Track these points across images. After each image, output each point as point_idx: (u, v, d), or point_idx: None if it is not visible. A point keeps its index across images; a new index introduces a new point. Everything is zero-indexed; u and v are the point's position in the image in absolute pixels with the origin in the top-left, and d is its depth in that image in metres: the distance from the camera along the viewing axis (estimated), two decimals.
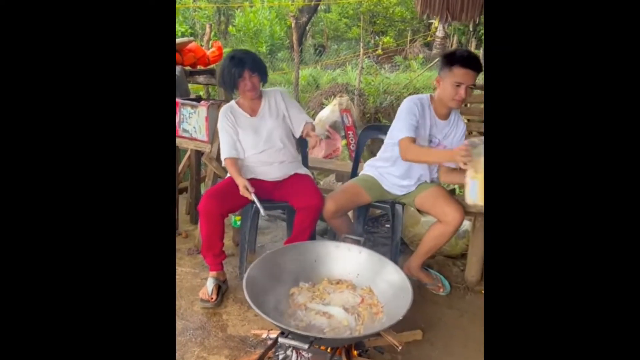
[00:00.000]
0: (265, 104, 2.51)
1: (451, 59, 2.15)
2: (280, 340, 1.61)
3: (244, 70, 2.33)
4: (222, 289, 2.36)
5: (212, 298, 2.29)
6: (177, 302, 2.32)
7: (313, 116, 6.36)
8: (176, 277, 2.57)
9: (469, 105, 2.86)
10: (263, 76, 2.43)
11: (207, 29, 5.33)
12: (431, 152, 2.25)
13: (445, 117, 2.32)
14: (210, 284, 2.33)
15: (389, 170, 2.47)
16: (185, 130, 2.92)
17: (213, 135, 2.83)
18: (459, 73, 2.10)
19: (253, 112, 2.50)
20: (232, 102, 2.54)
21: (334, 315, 1.84)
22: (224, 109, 2.50)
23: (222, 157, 2.43)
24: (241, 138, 2.46)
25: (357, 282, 2.05)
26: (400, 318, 1.65)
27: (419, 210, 2.66)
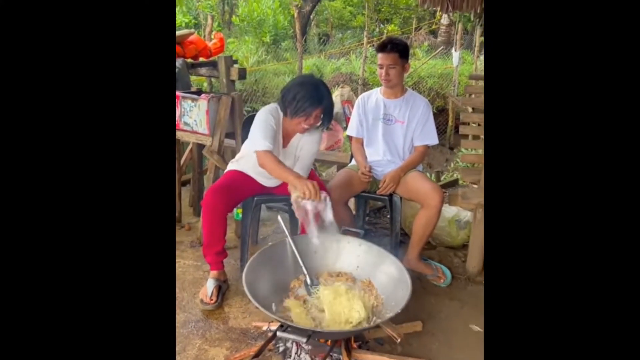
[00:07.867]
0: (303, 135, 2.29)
1: (376, 48, 2.61)
2: (279, 334, 1.63)
3: (317, 108, 2.10)
4: (222, 290, 2.31)
5: (212, 300, 2.24)
6: (179, 295, 2.34)
7: None
8: (179, 269, 2.59)
9: (472, 95, 2.86)
10: (326, 121, 2.22)
11: (209, 20, 5.32)
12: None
13: (395, 96, 2.63)
14: (210, 286, 2.28)
15: (369, 152, 2.69)
16: (186, 124, 2.92)
17: (214, 128, 2.84)
18: (379, 57, 2.54)
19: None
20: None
21: None
22: (271, 107, 2.26)
23: (259, 148, 2.12)
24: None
25: (357, 275, 2.07)
26: (399, 311, 1.67)
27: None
